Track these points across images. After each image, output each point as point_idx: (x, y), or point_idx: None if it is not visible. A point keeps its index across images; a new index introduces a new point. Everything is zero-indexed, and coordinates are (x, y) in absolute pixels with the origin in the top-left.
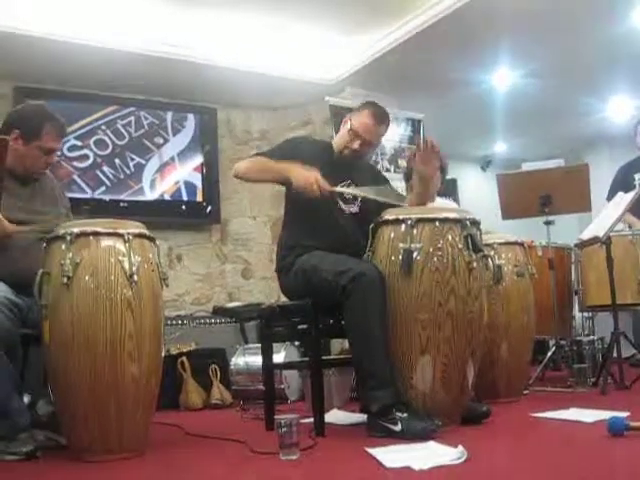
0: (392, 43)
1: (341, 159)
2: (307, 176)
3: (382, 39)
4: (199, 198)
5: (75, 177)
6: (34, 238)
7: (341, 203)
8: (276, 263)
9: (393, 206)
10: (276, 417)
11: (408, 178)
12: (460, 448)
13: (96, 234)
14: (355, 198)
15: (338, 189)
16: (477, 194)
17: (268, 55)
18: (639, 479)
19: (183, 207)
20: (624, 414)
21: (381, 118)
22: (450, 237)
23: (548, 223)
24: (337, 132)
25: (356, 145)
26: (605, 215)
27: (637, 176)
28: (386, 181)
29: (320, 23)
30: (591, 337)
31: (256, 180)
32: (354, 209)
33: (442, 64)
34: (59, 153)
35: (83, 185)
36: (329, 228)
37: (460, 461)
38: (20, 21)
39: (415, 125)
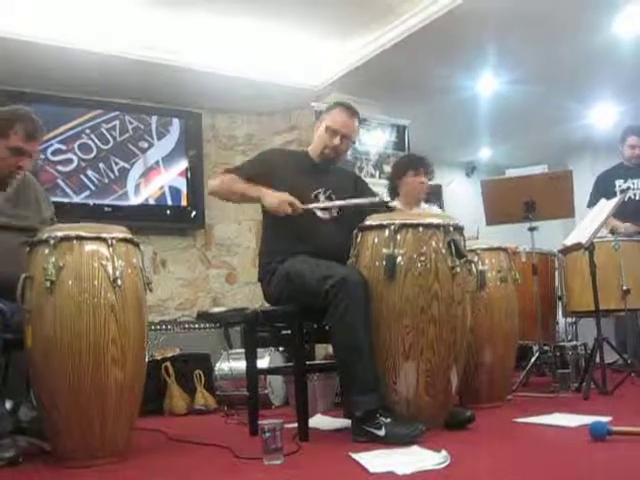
0: (377, 49)
1: (319, 165)
2: (279, 200)
3: (368, 45)
4: (184, 203)
5: (59, 181)
6: (17, 242)
7: (317, 211)
8: (258, 271)
9: (372, 206)
10: (260, 422)
11: (391, 188)
12: (443, 453)
13: (80, 238)
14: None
15: (311, 206)
16: (461, 200)
17: (254, 60)
18: None
19: (168, 212)
20: (606, 419)
21: (352, 111)
22: (433, 242)
23: (532, 229)
24: None
25: (336, 141)
26: (588, 221)
27: (618, 183)
28: (367, 186)
29: (306, 28)
30: (574, 342)
31: (229, 200)
32: (330, 215)
33: (427, 70)
34: (42, 157)
35: (67, 189)
36: (309, 234)
37: (443, 465)
38: (2, 24)
39: (400, 131)
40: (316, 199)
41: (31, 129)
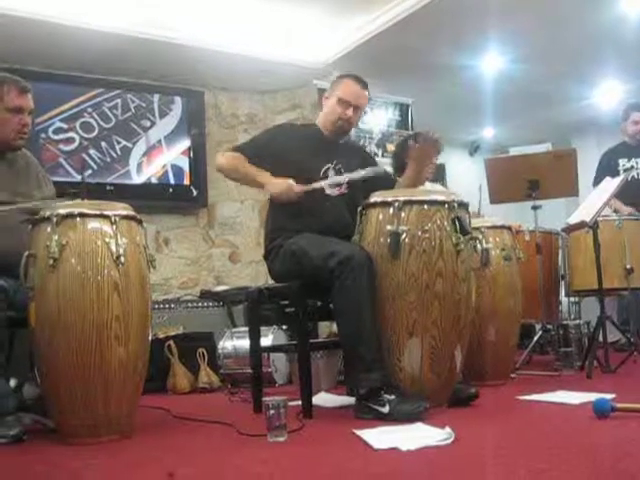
0: (381, 27)
1: (328, 139)
2: (281, 187)
3: (370, 22)
4: (186, 181)
5: (61, 160)
6: (19, 219)
7: (327, 189)
8: (264, 248)
9: (375, 179)
10: (264, 399)
11: (396, 166)
12: (447, 429)
13: (82, 216)
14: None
15: (313, 186)
16: (465, 179)
17: (256, 38)
18: (624, 458)
19: (170, 190)
20: (610, 396)
21: (362, 82)
22: (438, 219)
23: (535, 208)
24: None
25: (350, 112)
26: (592, 200)
27: (621, 162)
28: (374, 161)
29: (308, 6)
30: (577, 321)
31: (235, 180)
32: (340, 191)
33: (431, 48)
34: (44, 136)
35: (69, 168)
36: (317, 210)
37: (447, 442)
38: (4, 2)
39: (403, 110)
40: (325, 175)
41: (19, 84)
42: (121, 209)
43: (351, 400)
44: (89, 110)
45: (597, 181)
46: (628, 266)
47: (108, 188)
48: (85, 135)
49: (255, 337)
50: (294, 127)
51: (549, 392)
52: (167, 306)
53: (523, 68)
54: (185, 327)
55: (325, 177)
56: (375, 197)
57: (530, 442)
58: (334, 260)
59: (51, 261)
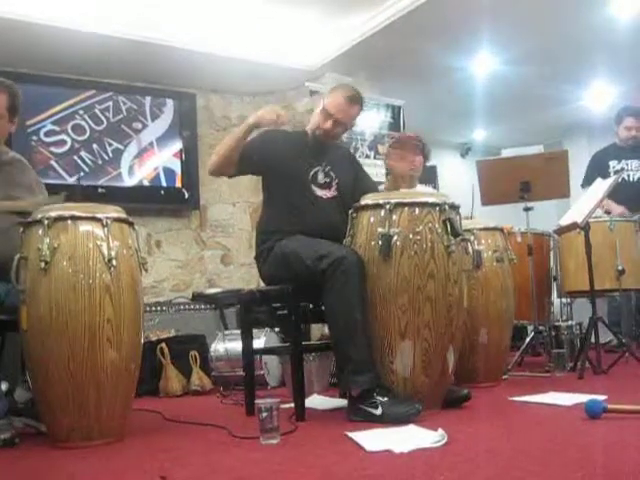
0: (372, 29)
1: (316, 143)
2: (263, 110)
3: (362, 25)
4: (178, 184)
5: (52, 162)
6: (11, 222)
7: (316, 189)
8: (255, 249)
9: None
10: (257, 401)
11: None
12: (440, 431)
13: (74, 218)
14: (331, 183)
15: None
16: (456, 181)
17: (248, 40)
18: (616, 459)
19: (162, 193)
20: (602, 397)
21: (353, 98)
22: (429, 221)
23: (527, 209)
24: None
25: (328, 125)
26: (583, 201)
27: (612, 163)
28: (360, 167)
29: (301, 8)
30: (569, 323)
31: (229, 162)
32: (330, 194)
33: (422, 50)
34: (35, 138)
35: (60, 171)
36: (307, 213)
37: (440, 444)
38: None
39: (395, 111)
40: (315, 178)
41: None
42: (113, 212)
43: (344, 402)
44: (80, 112)
45: (586, 183)
46: (619, 267)
47: (100, 191)
48: (77, 137)
49: (247, 339)
50: (281, 132)
51: (541, 393)
52: (159, 309)
53: (514, 70)
54: (177, 330)
55: (314, 179)
56: (366, 199)
57: (522, 443)
58: (325, 262)
59: (43, 264)
